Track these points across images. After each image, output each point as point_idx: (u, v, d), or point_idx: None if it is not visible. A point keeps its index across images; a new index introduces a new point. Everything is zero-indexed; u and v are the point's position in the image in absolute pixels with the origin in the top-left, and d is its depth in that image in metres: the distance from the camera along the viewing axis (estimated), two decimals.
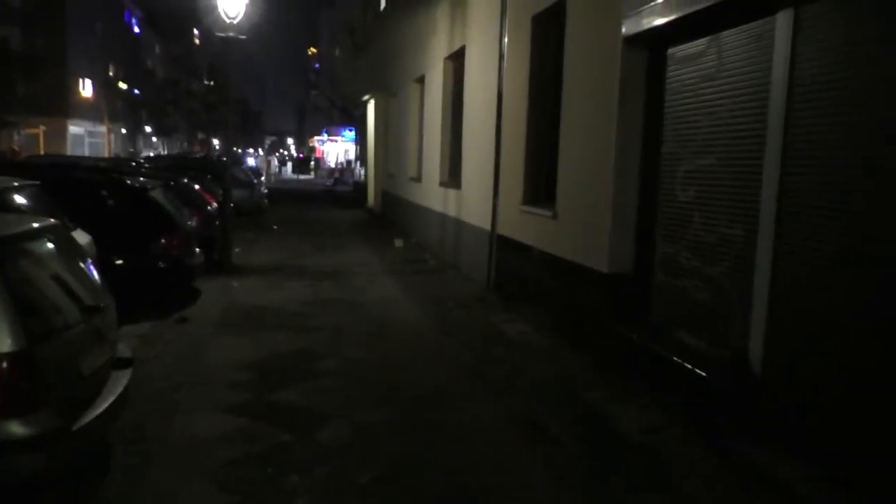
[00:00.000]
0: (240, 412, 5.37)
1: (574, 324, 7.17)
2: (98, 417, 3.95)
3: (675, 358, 5.32)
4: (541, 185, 8.59)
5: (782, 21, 4.40)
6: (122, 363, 4.61)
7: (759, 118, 4.62)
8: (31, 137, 48.57)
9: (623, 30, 6.00)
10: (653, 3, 5.51)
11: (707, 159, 5.23)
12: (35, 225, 4.38)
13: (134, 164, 18.77)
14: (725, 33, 5.01)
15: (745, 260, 4.76)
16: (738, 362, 4.78)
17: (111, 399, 4.16)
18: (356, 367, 6.66)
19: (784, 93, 4.37)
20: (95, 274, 4.75)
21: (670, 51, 5.72)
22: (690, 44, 5.42)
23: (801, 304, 4.26)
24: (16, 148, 44.60)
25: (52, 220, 4.78)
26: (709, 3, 4.82)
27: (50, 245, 4.39)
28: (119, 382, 4.38)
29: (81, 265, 4.67)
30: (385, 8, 23.56)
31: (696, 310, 5.41)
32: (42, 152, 41.24)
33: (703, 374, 5.00)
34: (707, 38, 5.22)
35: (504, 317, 8.77)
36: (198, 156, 30.49)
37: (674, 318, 5.74)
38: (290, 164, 70.54)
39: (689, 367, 5.12)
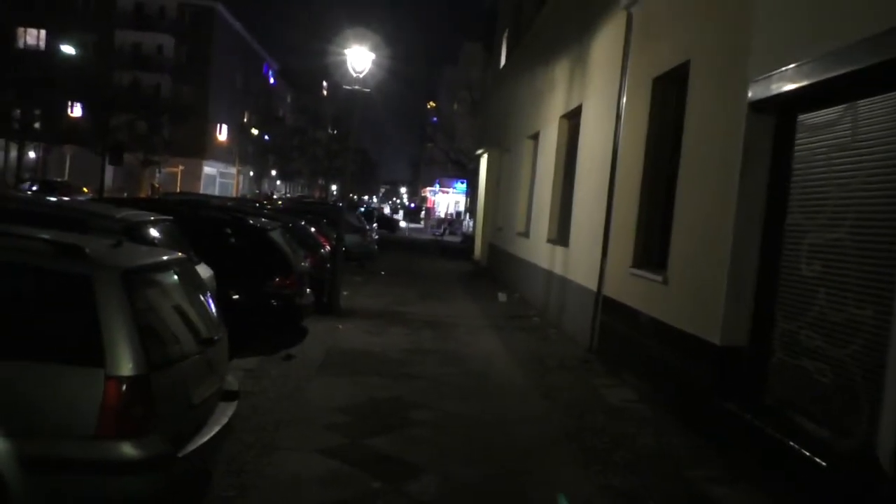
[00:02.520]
0: (334, 455, 5.42)
1: (680, 395, 6.82)
2: (203, 446, 4.10)
3: (790, 443, 4.93)
4: (652, 248, 8.34)
5: None
6: (229, 395, 4.79)
7: None
8: (170, 176, 52.69)
9: (749, 94, 5.80)
10: (784, 69, 5.31)
11: (836, 233, 4.91)
12: (164, 257, 4.69)
13: (258, 204, 19.82)
14: (862, 102, 4.74)
15: (876, 344, 4.38)
16: (864, 455, 4.37)
17: (216, 430, 4.31)
18: (451, 420, 6.60)
19: None
20: (213, 307, 5.00)
21: (800, 118, 5.47)
22: (823, 111, 5.16)
23: None
24: (156, 185, 48.51)
25: (180, 253, 5.11)
26: (846, 70, 4.59)
27: (175, 277, 4.66)
28: (224, 414, 4.54)
29: (202, 298, 4.92)
30: (504, 66, 24.08)
31: (817, 393, 5.00)
32: (178, 190, 44.65)
33: (823, 463, 4.59)
34: (842, 105, 4.95)
35: (606, 381, 8.47)
36: (297, 200, 32.11)
37: (791, 399, 5.33)
38: (401, 213, 72.47)
39: (807, 454, 4.72)
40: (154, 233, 7.31)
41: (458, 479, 5.17)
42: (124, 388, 3.60)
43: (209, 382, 4.47)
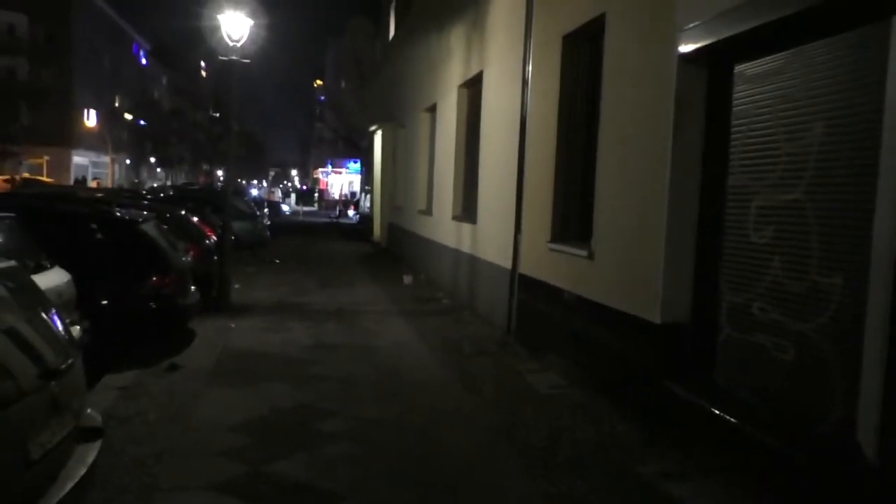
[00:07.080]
0: (231, 490, 4.48)
1: (618, 379, 6.29)
2: None
3: (750, 429, 4.45)
4: (572, 220, 7.78)
5: None
6: (89, 434, 3.77)
7: (867, 142, 3.81)
8: (35, 167, 48.21)
9: (680, 46, 5.23)
10: (719, 14, 4.75)
11: (791, 193, 4.42)
12: None
13: (129, 195, 18.06)
14: (813, 45, 4.23)
15: (849, 315, 3.92)
16: (842, 442, 3.92)
17: (70, 486, 3.31)
18: (367, 429, 5.78)
19: None
20: (59, 326, 3.93)
21: (739, 68, 4.95)
22: (767, 58, 4.65)
23: None
24: (17, 178, 44.14)
25: (10, 261, 3.98)
26: (796, 9, 4.05)
27: (1, 293, 3.57)
28: (82, 462, 3.53)
29: (43, 316, 3.84)
30: (394, 37, 23.07)
31: (777, 371, 4.54)
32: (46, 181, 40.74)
33: (792, 451, 4.13)
34: (789, 51, 4.44)
35: (530, 366, 7.89)
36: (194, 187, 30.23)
37: (745, 379, 4.87)
38: (293, 196, 70.09)
39: (774, 442, 4.25)
40: None
41: None
42: None
43: (57, 425, 3.42)
